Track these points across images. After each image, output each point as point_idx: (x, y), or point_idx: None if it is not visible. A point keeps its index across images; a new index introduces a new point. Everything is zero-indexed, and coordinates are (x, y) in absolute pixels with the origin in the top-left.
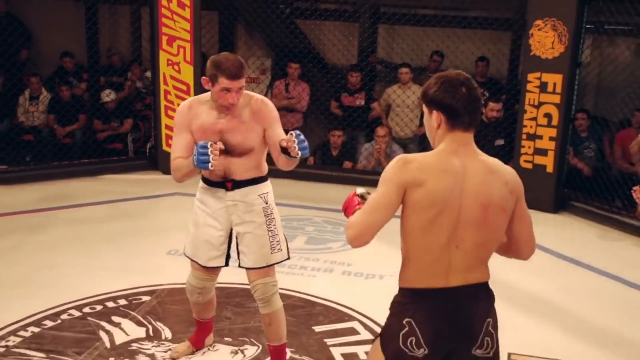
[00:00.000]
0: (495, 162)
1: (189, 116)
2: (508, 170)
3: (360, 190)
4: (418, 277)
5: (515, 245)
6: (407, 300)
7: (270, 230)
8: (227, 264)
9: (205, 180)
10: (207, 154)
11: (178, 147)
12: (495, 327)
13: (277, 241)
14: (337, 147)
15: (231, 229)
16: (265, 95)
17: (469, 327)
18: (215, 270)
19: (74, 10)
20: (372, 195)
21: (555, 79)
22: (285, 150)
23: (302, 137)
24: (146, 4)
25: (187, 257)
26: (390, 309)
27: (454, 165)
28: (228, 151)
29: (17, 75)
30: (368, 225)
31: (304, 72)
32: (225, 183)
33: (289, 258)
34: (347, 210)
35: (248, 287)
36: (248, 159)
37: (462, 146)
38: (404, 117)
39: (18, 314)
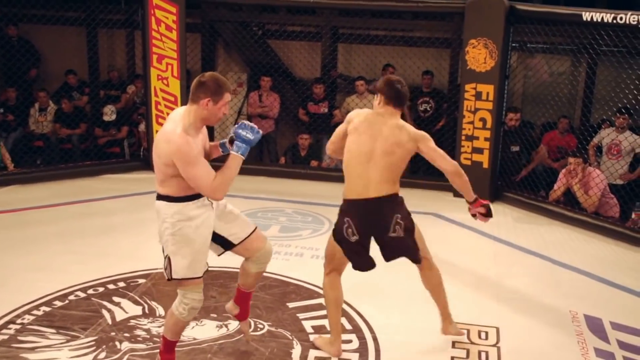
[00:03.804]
0: (404, 123)
1: (194, 143)
2: (413, 129)
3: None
4: (350, 192)
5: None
6: (345, 207)
7: None
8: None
9: (184, 198)
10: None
11: (209, 171)
12: (405, 218)
13: None
14: (305, 148)
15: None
16: (242, 105)
17: (382, 221)
18: None
19: (77, 33)
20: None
21: (487, 89)
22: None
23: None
24: (139, 27)
25: (187, 279)
26: (338, 213)
27: (377, 117)
28: None
29: (28, 90)
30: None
31: (275, 85)
32: None
33: None
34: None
35: (230, 269)
36: None
37: (389, 113)
38: None
39: (32, 295)
